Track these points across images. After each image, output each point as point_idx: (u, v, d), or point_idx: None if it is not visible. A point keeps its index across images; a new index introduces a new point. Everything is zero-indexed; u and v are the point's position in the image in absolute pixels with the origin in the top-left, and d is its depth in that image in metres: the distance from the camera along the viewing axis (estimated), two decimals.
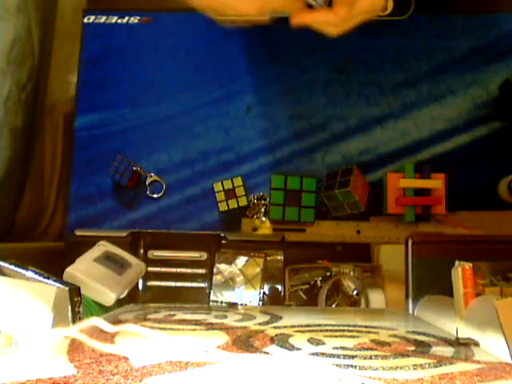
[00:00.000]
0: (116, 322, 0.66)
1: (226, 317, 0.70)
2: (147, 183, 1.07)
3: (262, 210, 1.06)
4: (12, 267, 0.59)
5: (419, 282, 0.77)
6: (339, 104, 1.09)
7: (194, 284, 0.98)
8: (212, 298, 0.95)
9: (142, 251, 0.99)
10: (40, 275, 0.58)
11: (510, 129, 1.05)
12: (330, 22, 0.63)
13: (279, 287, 0.96)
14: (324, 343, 0.52)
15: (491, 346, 0.51)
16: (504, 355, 0.48)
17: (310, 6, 0.62)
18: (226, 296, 0.94)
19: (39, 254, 0.94)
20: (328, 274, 0.95)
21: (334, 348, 0.50)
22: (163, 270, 0.98)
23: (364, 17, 0.64)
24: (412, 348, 0.52)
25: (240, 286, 0.95)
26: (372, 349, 0.50)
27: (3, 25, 0.94)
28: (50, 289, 0.55)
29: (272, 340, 0.53)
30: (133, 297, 0.94)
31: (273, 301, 0.95)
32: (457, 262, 0.62)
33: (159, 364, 0.42)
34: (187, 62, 1.12)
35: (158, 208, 1.08)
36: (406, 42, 1.09)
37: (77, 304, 0.58)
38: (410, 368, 0.43)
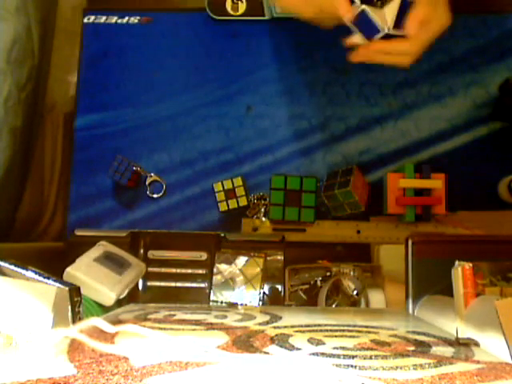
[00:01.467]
0: (116, 322, 0.66)
1: (225, 317, 0.70)
2: (147, 183, 1.07)
3: (262, 210, 1.05)
4: (12, 267, 0.59)
5: (419, 282, 0.76)
6: (339, 104, 1.09)
7: (194, 284, 0.98)
8: (212, 297, 0.95)
9: (141, 251, 0.99)
10: (40, 275, 0.58)
11: (510, 129, 1.05)
12: (403, 51, 0.59)
13: (279, 287, 0.96)
14: (324, 343, 0.52)
15: (491, 346, 0.51)
16: (504, 355, 0.48)
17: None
18: (226, 296, 0.94)
19: (39, 254, 0.94)
20: (328, 274, 0.95)
21: (334, 348, 0.50)
22: (163, 270, 0.98)
23: (433, 37, 0.59)
24: (412, 348, 0.52)
25: (240, 285, 0.94)
26: (372, 349, 0.50)
27: (3, 25, 0.94)
28: (50, 289, 0.55)
29: (272, 340, 0.53)
30: (133, 297, 0.94)
31: (273, 301, 0.95)
32: (457, 262, 0.62)
33: (159, 364, 0.42)
34: (187, 61, 1.12)
35: (158, 208, 1.08)
36: None
37: (77, 304, 0.58)
38: (410, 368, 0.43)
